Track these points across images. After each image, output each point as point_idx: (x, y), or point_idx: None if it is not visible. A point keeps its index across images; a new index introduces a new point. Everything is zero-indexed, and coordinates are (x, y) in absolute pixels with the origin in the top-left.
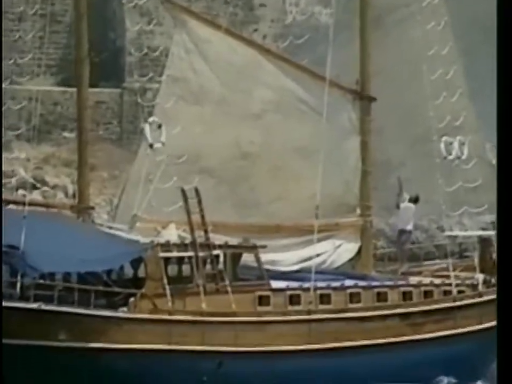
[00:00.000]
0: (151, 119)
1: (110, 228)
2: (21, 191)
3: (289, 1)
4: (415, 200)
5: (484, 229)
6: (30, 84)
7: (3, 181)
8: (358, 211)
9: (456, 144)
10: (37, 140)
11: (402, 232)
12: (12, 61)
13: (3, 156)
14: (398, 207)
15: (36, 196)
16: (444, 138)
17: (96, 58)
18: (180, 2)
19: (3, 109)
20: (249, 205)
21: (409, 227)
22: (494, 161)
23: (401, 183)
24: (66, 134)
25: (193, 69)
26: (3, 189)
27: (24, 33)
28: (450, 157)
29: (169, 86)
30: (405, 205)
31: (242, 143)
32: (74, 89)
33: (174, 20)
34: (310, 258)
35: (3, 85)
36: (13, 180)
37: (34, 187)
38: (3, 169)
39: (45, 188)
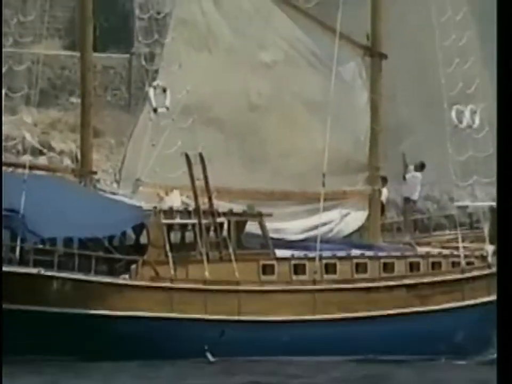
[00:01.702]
0: (155, 83)
1: (113, 193)
2: (26, 156)
3: None
4: (420, 167)
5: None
6: (37, 48)
7: (8, 145)
8: (367, 172)
9: (467, 113)
10: (45, 105)
11: (407, 200)
12: (14, 21)
13: (9, 119)
14: (404, 178)
15: (42, 161)
16: (455, 106)
17: (105, 23)
18: None
19: (3, 71)
20: (258, 160)
21: (414, 197)
22: None
23: (405, 157)
24: (73, 99)
25: (202, 11)
26: (7, 153)
27: None
28: (461, 126)
29: (177, 29)
30: (411, 174)
31: (251, 94)
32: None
33: None
34: (316, 227)
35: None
36: (19, 145)
37: (40, 152)
38: (8, 133)
39: (51, 154)
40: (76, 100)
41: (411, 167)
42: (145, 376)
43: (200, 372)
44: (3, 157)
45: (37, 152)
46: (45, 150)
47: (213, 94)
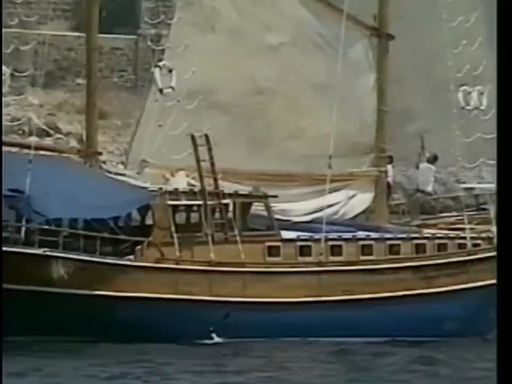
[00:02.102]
0: (161, 63)
1: (118, 174)
2: (32, 138)
3: None
4: (433, 159)
5: None
6: (44, 29)
7: (14, 126)
8: (373, 153)
9: (474, 94)
10: (51, 86)
11: (421, 192)
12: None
13: (15, 100)
14: (417, 167)
15: (48, 143)
16: (463, 88)
17: (112, 5)
18: None
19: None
20: (264, 142)
21: (429, 188)
22: None
23: (424, 142)
24: (80, 80)
25: None
26: (13, 134)
27: None
28: (469, 107)
29: (183, 9)
30: (424, 165)
31: (258, 77)
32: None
33: None
34: (322, 209)
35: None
36: (25, 126)
37: (47, 134)
38: (14, 114)
39: (58, 135)
40: (82, 81)
41: (427, 155)
42: (148, 357)
43: (205, 353)
44: (9, 137)
45: (43, 134)
46: (51, 132)
47: (219, 76)
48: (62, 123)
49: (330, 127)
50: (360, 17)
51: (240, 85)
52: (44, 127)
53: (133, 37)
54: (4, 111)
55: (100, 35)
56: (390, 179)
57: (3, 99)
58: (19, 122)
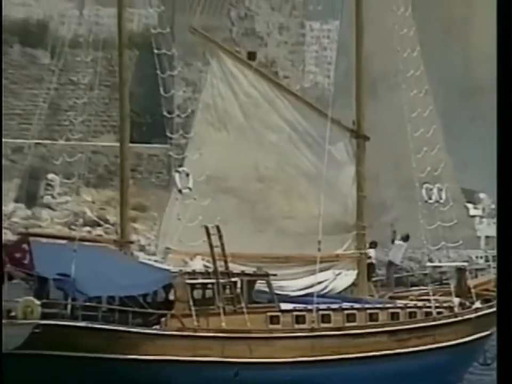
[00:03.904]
0: (180, 169)
1: (146, 259)
2: (87, 228)
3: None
4: (406, 238)
5: (466, 261)
6: (97, 141)
7: (73, 220)
8: (355, 231)
9: (435, 190)
10: (102, 186)
11: (391, 264)
12: (79, 120)
13: (73, 199)
14: (393, 242)
15: (99, 231)
16: (425, 185)
17: (150, 120)
18: (217, 41)
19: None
20: (265, 221)
21: (398, 261)
22: (466, 204)
23: (395, 228)
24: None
25: (221, 96)
26: (72, 227)
27: (91, 100)
28: (431, 201)
29: (202, 112)
30: (398, 242)
31: (260, 167)
32: (133, 145)
33: (210, 53)
34: (313, 285)
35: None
36: (81, 219)
37: (98, 224)
38: (72, 209)
39: (107, 225)
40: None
41: (398, 236)
42: None
43: None
44: (61, 231)
45: (95, 224)
46: (101, 222)
47: (229, 167)
48: (110, 215)
49: (318, 209)
50: (343, 120)
51: (246, 174)
52: (96, 219)
53: (167, 145)
54: (63, 206)
55: (141, 145)
56: (374, 260)
57: (60, 198)
58: (77, 216)
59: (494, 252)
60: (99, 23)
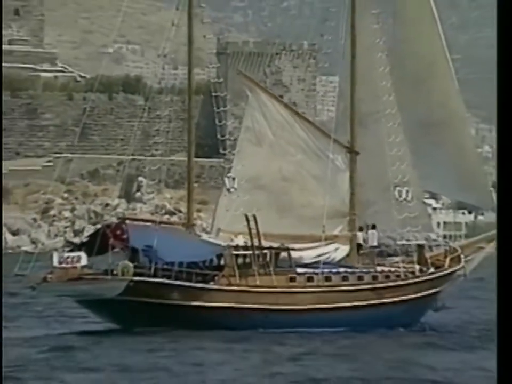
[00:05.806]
0: (229, 175)
1: (205, 236)
2: (166, 216)
3: None
4: (373, 227)
5: (426, 239)
6: (173, 157)
7: (158, 211)
8: (348, 217)
9: (404, 192)
10: (177, 187)
11: (371, 246)
12: (162, 142)
13: (157, 196)
14: (367, 232)
15: (174, 218)
16: (397, 188)
17: (210, 142)
18: (254, 79)
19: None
20: (286, 210)
21: (374, 243)
22: (427, 201)
23: (368, 224)
24: (195, 184)
25: (257, 121)
26: (159, 214)
27: (170, 129)
28: (401, 199)
29: (244, 134)
30: (370, 231)
31: (284, 171)
32: (198, 159)
33: (250, 89)
34: (319, 256)
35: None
36: (162, 210)
37: (174, 213)
38: (157, 204)
39: (180, 214)
40: (196, 184)
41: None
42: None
43: (254, 338)
44: (152, 216)
45: (172, 213)
46: (176, 212)
47: (262, 171)
48: (182, 208)
49: (324, 201)
50: (341, 141)
51: (274, 175)
52: (173, 209)
53: (221, 159)
54: (150, 201)
55: (204, 159)
56: (361, 240)
57: (148, 196)
58: (160, 209)
59: (448, 233)
60: (177, 77)
